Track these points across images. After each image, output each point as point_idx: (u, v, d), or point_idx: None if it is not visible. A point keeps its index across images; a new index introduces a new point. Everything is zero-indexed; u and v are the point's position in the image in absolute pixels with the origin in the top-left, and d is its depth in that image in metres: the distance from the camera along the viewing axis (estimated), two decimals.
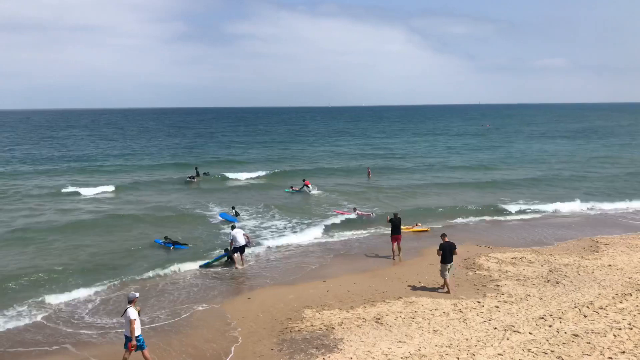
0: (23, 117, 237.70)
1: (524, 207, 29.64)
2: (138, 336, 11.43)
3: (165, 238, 22.36)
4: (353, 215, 27.37)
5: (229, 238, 20.01)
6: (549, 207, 29.48)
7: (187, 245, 22.12)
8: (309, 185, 35.30)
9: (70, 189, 34.91)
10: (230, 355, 12.32)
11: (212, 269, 19.16)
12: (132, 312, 11.39)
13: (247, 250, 20.15)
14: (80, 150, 66.55)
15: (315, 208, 29.93)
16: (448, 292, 16.25)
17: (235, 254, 19.51)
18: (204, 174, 43.25)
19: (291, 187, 35.84)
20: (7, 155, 59.88)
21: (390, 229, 20.80)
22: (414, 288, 16.77)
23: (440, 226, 25.11)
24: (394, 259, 20.49)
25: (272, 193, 35.38)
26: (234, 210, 27.73)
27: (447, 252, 16.36)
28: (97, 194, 33.56)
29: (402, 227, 21.02)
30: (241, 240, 19.32)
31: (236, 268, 19.19)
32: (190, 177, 40.48)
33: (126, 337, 11.54)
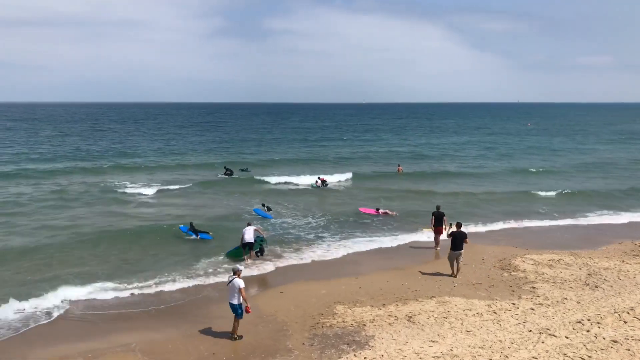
0: (66, 110, 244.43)
1: (564, 210, 28.93)
2: (241, 304, 12.90)
3: (191, 225, 22.78)
4: (377, 213, 27.65)
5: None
6: (591, 212, 28.70)
7: (210, 234, 22.55)
8: (325, 181, 37.09)
9: (108, 185, 35.63)
10: (289, 348, 12.49)
11: (243, 265, 19.29)
12: (240, 281, 12.93)
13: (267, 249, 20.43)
14: (119, 144, 68.31)
15: (344, 206, 30.01)
16: (455, 276, 17.62)
17: (245, 250, 19.66)
18: (242, 169, 43.74)
19: (316, 182, 37.14)
20: (47, 149, 61.82)
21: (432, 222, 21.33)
22: (447, 288, 16.61)
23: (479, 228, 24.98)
24: (436, 249, 21.19)
25: (305, 191, 35.64)
26: (265, 207, 28.04)
27: (457, 240, 17.61)
28: (134, 193, 33.33)
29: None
30: (248, 238, 19.35)
31: (244, 261, 19.29)
32: (226, 174, 40.93)
33: (231, 305, 12.97)
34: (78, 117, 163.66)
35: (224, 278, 17.66)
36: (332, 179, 39.40)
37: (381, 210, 27.84)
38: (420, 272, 18.39)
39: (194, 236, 22.46)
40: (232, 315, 13.21)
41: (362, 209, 28.59)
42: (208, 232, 22.76)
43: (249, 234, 19.41)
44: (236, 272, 13.16)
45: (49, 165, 45.18)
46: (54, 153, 55.49)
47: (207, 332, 13.47)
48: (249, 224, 20.08)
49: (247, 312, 13.03)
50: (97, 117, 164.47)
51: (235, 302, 12.94)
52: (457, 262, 17.80)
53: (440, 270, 18.42)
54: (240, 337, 13.00)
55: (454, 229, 18.36)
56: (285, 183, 38.55)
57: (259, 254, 20.01)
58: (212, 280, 17.65)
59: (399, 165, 45.32)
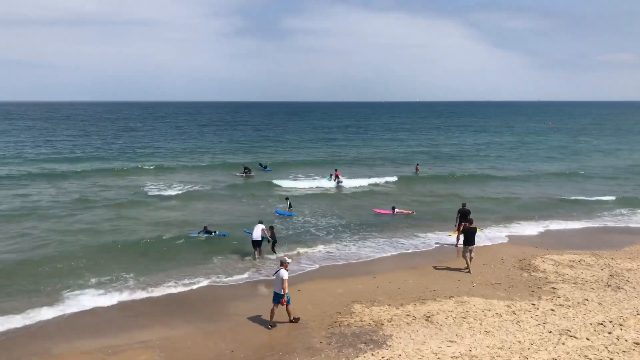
0: (84, 109, 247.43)
1: (585, 211, 28.51)
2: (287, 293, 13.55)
3: (205, 228, 22.94)
4: (393, 213, 27.69)
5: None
6: (612, 213, 28.24)
7: (226, 233, 22.77)
8: (339, 177, 37.62)
9: (129, 187, 35.74)
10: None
11: (258, 261, 19.52)
12: (284, 273, 13.57)
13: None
14: (139, 144, 69.05)
15: (363, 207, 29.97)
16: (469, 271, 17.93)
17: (255, 248, 20.00)
18: (260, 165, 44.06)
19: (331, 175, 37.95)
20: (68, 150, 62.60)
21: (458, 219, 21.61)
22: (466, 287, 16.48)
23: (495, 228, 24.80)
24: (457, 246, 21.29)
25: (323, 191, 35.59)
26: (288, 202, 28.23)
27: (470, 236, 18.25)
28: (155, 195, 33.06)
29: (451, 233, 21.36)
30: (255, 235, 19.78)
31: (254, 259, 19.70)
32: (245, 173, 41.13)
33: (276, 293, 13.66)
34: (99, 116, 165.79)
35: (240, 277, 17.87)
36: (376, 181, 38.90)
37: (397, 210, 27.78)
38: (438, 271, 18.28)
39: (209, 235, 22.58)
40: (249, 313, 13.27)
41: (377, 210, 28.58)
42: (213, 231, 22.88)
43: (255, 232, 19.83)
44: (283, 264, 13.79)
45: (70, 167, 45.16)
46: (75, 153, 55.91)
47: (225, 329, 13.55)
48: (260, 222, 20.38)
49: (282, 304, 13.53)
50: (117, 115, 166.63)
51: (280, 291, 13.54)
52: (470, 256, 18.26)
53: (460, 270, 18.31)
54: (298, 318, 13.88)
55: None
56: (304, 184, 38.30)
57: (273, 251, 20.41)
58: (229, 279, 17.75)
59: (417, 164, 45.21)
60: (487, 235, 23.15)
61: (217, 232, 22.62)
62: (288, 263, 13.93)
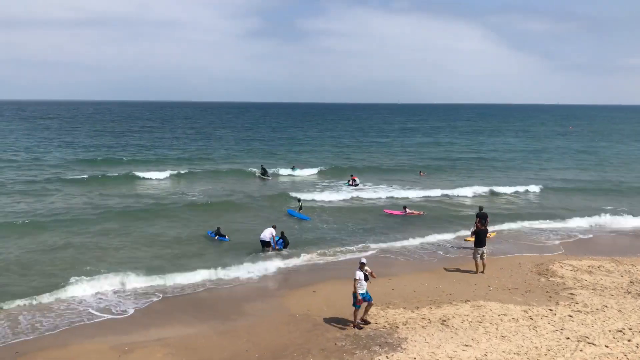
0: (96, 109, 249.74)
1: (601, 215, 28.10)
2: (360, 293, 13.64)
3: (217, 229, 23.19)
4: (403, 214, 27.75)
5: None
6: (632, 219, 27.74)
7: (227, 237, 22.97)
8: (356, 180, 38.08)
9: (143, 193, 35.95)
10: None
11: (276, 264, 19.48)
12: (357, 273, 13.78)
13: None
14: (157, 144, 69.51)
15: (379, 209, 29.83)
16: (483, 272, 18.08)
17: (263, 247, 21.25)
18: (293, 168, 44.66)
19: (348, 181, 38.30)
20: (87, 153, 63.14)
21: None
22: (483, 292, 16.35)
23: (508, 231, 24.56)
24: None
25: (339, 195, 35.13)
26: (299, 203, 28.35)
27: (481, 237, 18.23)
28: (169, 203, 31.77)
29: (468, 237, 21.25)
30: (262, 236, 21.22)
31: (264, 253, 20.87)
32: (262, 175, 41.38)
33: (361, 294, 13.74)
34: (118, 115, 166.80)
35: (255, 278, 18.03)
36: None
37: (408, 211, 27.76)
38: (454, 275, 18.18)
39: (215, 237, 22.83)
40: (264, 313, 13.33)
41: (387, 210, 28.67)
42: (222, 234, 23.09)
43: (263, 234, 21.24)
44: (360, 264, 13.99)
45: (88, 170, 43.44)
46: (94, 156, 54.59)
47: (240, 329, 13.63)
48: (273, 226, 21.51)
49: (358, 303, 13.66)
50: (136, 115, 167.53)
51: (361, 291, 13.68)
52: (482, 259, 18.27)
53: (476, 274, 18.18)
54: (367, 322, 13.82)
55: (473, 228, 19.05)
56: (321, 187, 38.04)
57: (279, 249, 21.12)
58: (244, 280, 17.88)
59: (420, 172, 45.29)
60: (505, 241, 22.96)
61: (219, 237, 22.83)
62: (363, 264, 13.93)
